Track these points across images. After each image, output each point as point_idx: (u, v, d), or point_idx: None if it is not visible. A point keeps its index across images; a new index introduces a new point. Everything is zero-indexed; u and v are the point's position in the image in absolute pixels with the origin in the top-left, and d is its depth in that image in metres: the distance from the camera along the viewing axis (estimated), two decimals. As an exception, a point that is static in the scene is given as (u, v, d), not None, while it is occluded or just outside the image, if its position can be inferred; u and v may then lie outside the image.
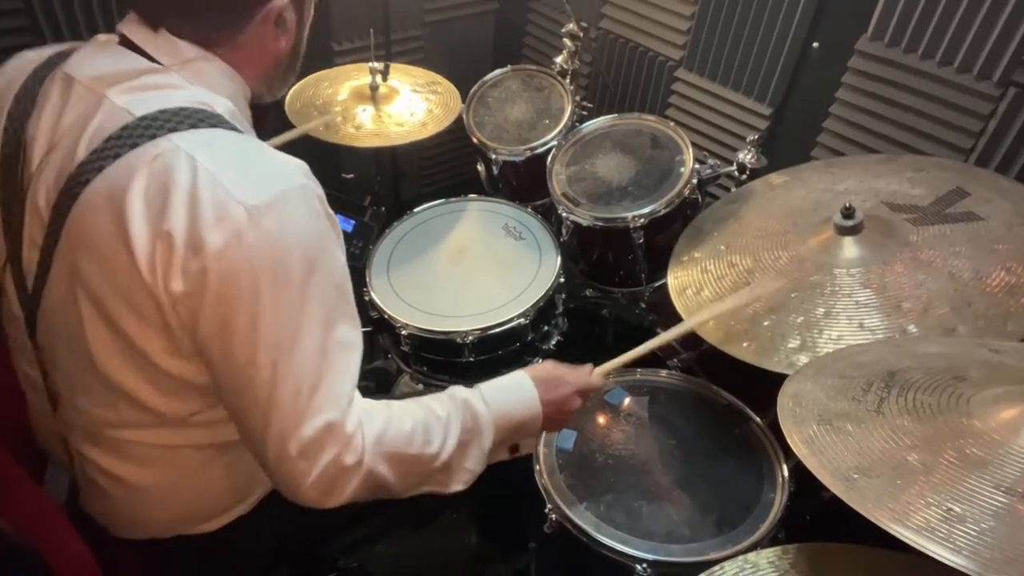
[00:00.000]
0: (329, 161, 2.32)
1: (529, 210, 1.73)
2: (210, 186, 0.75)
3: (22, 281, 0.88)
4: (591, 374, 1.15)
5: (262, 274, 0.77)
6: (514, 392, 1.04)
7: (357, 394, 0.88)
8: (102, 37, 0.91)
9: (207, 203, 0.75)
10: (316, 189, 0.84)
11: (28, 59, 0.92)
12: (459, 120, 1.86)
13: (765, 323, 1.14)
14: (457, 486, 0.98)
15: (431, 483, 0.96)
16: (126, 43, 0.87)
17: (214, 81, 0.88)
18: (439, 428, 0.94)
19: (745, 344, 1.14)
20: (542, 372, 1.09)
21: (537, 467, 1.23)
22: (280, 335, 0.79)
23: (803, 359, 1.06)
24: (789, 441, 0.81)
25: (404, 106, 1.88)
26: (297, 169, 0.83)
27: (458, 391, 1.00)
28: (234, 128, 0.83)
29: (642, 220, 1.49)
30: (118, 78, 0.84)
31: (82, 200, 0.79)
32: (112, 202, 0.77)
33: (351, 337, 0.87)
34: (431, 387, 1.56)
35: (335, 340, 0.84)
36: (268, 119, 1.09)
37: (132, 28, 0.87)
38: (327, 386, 0.82)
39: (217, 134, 0.81)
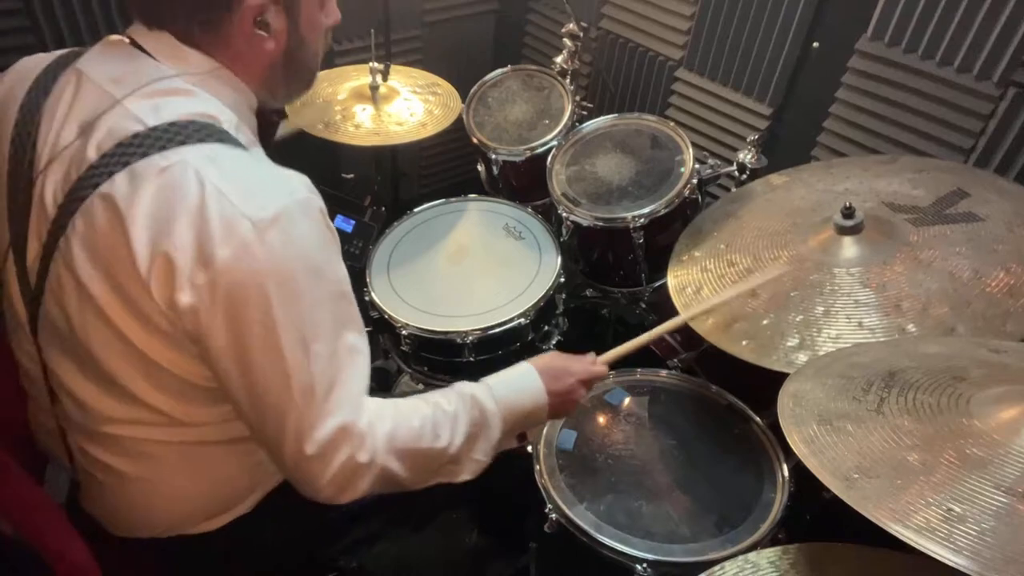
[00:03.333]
0: (329, 161, 2.32)
1: (529, 210, 1.73)
2: (217, 201, 0.77)
3: (25, 275, 0.89)
4: (594, 363, 1.16)
5: (270, 285, 0.79)
6: (520, 384, 1.07)
7: (367, 395, 0.91)
8: (113, 37, 0.92)
9: (215, 218, 0.77)
10: (318, 202, 0.86)
11: (41, 57, 0.94)
12: (459, 120, 1.86)
13: (764, 322, 1.14)
14: (466, 476, 1.01)
15: (441, 475, 0.99)
16: (136, 46, 0.89)
17: (219, 90, 0.90)
18: (447, 423, 0.96)
19: (744, 342, 1.14)
20: (547, 363, 1.11)
21: (537, 467, 1.23)
22: (292, 343, 0.81)
23: (802, 358, 1.06)
24: (789, 441, 0.81)
25: (404, 106, 1.88)
26: (299, 184, 0.85)
27: (465, 386, 1.03)
28: (238, 144, 0.85)
29: (642, 220, 1.49)
30: (129, 81, 0.85)
31: (89, 203, 0.80)
32: (118, 210, 0.78)
33: (358, 342, 0.90)
34: (431, 387, 1.55)
35: (344, 345, 0.87)
36: (274, 131, 1.10)
37: (140, 34, 0.89)
38: (339, 389, 0.85)
39: (223, 150, 0.82)
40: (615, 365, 1.22)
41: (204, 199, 0.77)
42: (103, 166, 0.80)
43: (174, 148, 0.80)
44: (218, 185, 0.78)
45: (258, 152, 0.91)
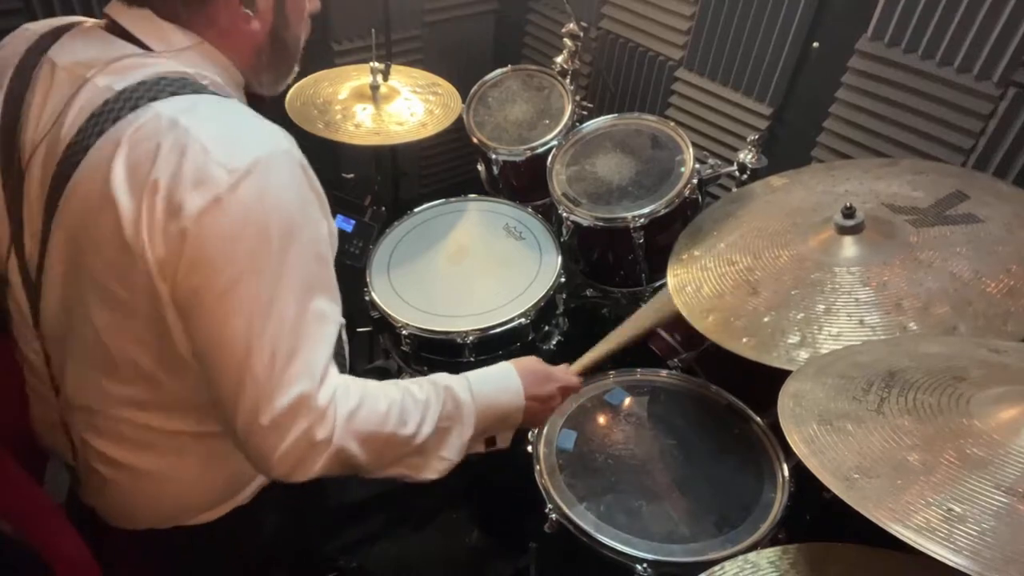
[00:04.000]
0: (329, 161, 2.32)
1: (529, 210, 1.73)
2: (191, 148, 0.75)
3: (25, 267, 0.89)
4: (567, 373, 1.16)
5: (240, 239, 0.76)
6: (500, 382, 1.04)
7: (333, 368, 0.87)
8: (88, 23, 0.91)
9: (189, 164, 0.74)
10: (300, 157, 0.83)
11: (22, 38, 0.92)
12: (459, 120, 1.86)
13: (765, 319, 1.14)
14: (431, 474, 0.96)
15: (404, 466, 0.94)
16: (115, 29, 0.87)
17: (201, 65, 0.88)
18: (416, 410, 0.92)
19: (745, 339, 1.14)
20: (529, 366, 1.09)
21: (537, 467, 1.23)
22: (255, 301, 0.78)
23: (803, 355, 1.06)
24: (789, 441, 0.81)
25: (404, 106, 1.88)
26: (281, 135, 0.82)
27: (441, 377, 0.99)
28: (218, 93, 0.83)
29: (642, 220, 1.49)
30: (101, 62, 0.84)
31: (72, 182, 0.80)
32: (99, 178, 0.77)
33: (328, 308, 0.86)
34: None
35: (312, 310, 0.83)
36: (264, 110, 1.08)
37: (119, 12, 0.87)
38: (302, 356, 0.81)
39: (199, 99, 0.80)
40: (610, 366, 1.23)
41: (177, 146, 0.75)
42: (80, 141, 0.79)
43: (145, 104, 0.78)
44: (192, 131, 0.75)
45: (240, 103, 0.87)
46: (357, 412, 0.86)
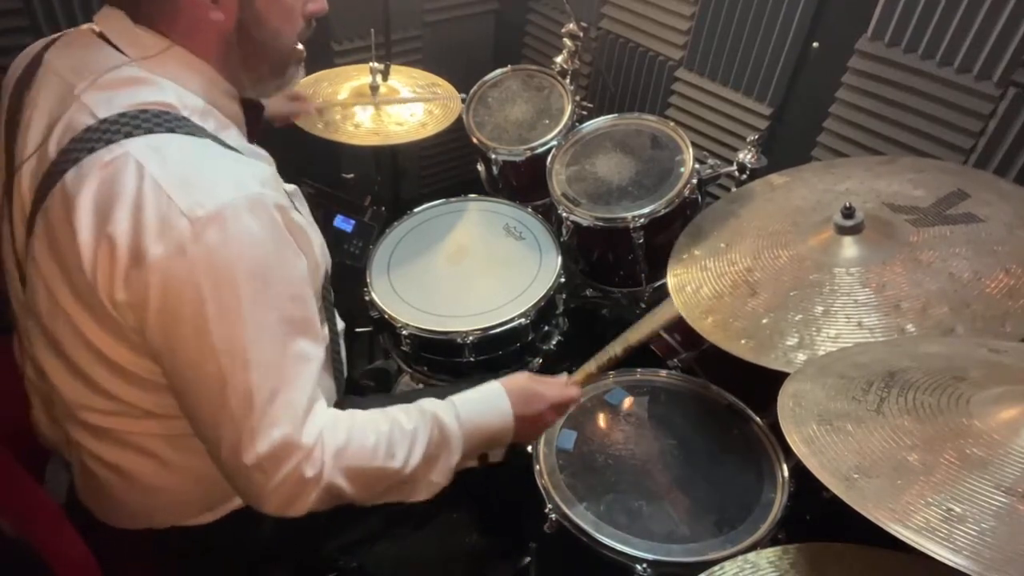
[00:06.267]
0: (329, 161, 2.32)
1: (529, 210, 1.73)
2: (155, 196, 0.75)
3: (20, 266, 0.90)
4: (566, 385, 1.15)
5: (205, 287, 0.76)
6: (487, 405, 1.04)
7: (320, 404, 0.87)
8: (83, 27, 0.92)
9: (151, 213, 0.75)
10: (274, 197, 0.82)
11: (33, 47, 0.95)
12: (459, 120, 1.86)
13: (764, 321, 1.14)
14: (422, 496, 0.97)
15: (394, 494, 0.96)
16: (100, 34, 0.88)
17: (181, 74, 0.87)
18: (404, 442, 0.93)
19: (743, 341, 1.14)
20: (519, 385, 1.08)
21: (537, 467, 1.23)
22: (227, 348, 0.78)
23: (801, 357, 1.06)
24: (789, 441, 0.81)
25: (404, 106, 1.88)
26: (250, 178, 0.81)
27: (429, 404, 0.99)
28: (195, 131, 0.82)
29: (642, 220, 1.49)
30: (86, 70, 0.84)
31: (48, 201, 0.81)
32: (66, 208, 0.78)
33: (308, 348, 0.86)
34: (431, 387, 1.56)
35: (291, 353, 0.83)
36: (260, 117, 1.08)
37: (104, 18, 0.88)
38: (283, 397, 0.82)
39: (172, 139, 0.80)
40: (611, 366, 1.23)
41: (141, 192, 0.75)
42: (59, 164, 0.80)
43: (119, 141, 0.78)
44: (157, 178, 0.75)
45: (225, 140, 0.87)
46: (345, 448, 0.87)
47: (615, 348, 1.24)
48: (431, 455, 0.95)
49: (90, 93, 0.82)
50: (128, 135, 0.78)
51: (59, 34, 0.95)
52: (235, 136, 0.93)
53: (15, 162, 0.87)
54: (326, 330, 1.04)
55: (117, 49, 0.86)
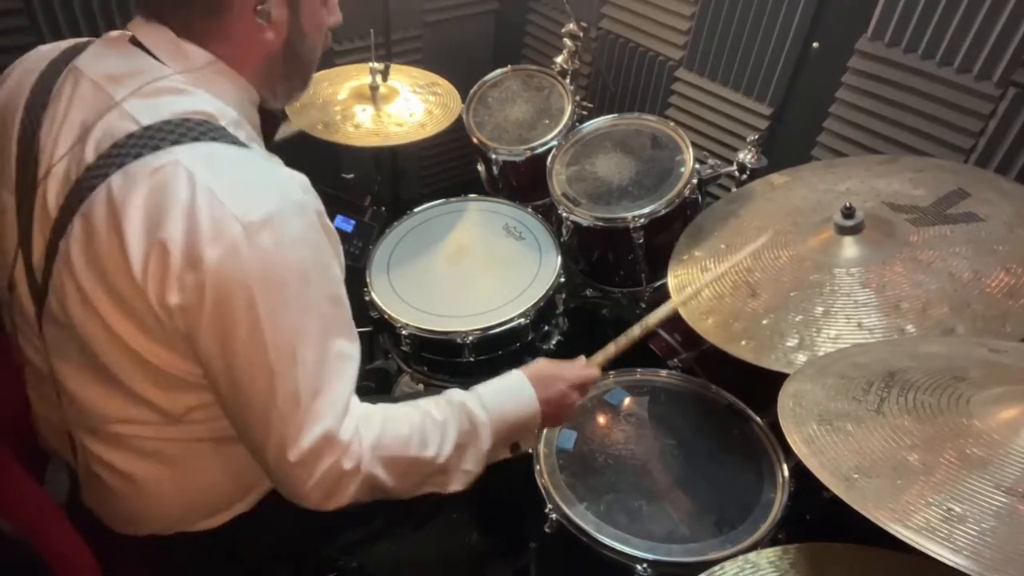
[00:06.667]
0: (329, 161, 2.32)
1: (529, 210, 1.73)
2: (208, 202, 0.77)
3: (32, 273, 0.89)
4: (585, 366, 1.15)
5: (258, 288, 0.78)
6: (511, 393, 1.05)
7: (355, 399, 0.90)
8: (114, 34, 0.92)
9: (205, 218, 0.76)
10: (315, 203, 0.85)
11: (43, 52, 0.94)
12: (459, 120, 1.86)
13: (764, 321, 1.14)
14: (456, 486, 0.99)
15: (430, 484, 0.98)
16: (136, 43, 0.88)
17: (219, 86, 0.89)
18: (436, 432, 0.95)
19: (743, 342, 1.14)
20: (538, 371, 1.10)
21: (537, 467, 1.23)
22: (278, 347, 0.81)
23: (801, 358, 1.06)
24: (789, 441, 0.81)
25: (404, 106, 1.88)
26: (295, 185, 0.84)
27: (455, 394, 1.01)
28: (235, 141, 0.84)
29: (642, 220, 1.49)
30: (126, 79, 0.85)
31: (86, 206, 0.81)
32: (112, 212, 0.78)
33: (347, 348, 0.89)
34: (431, 387, 1.56)
35: (332, 351, 0.86)
36: (277, 127, 1.09)
37: (140, 28, 0.88)
38: (325, 396, 0.85)
39: (217, 148, 0.82)
40: (610, 365, 1.21)
41: (194, 199, 0.76)
42: (99, 168, 0.80)
43: (167, 148, 0.79)
44: (209, 185, 0.77)
45: (257, 150, 0.90)
46: (381, 439, 0.90)
47: (634, 331, 1.23)
48: (462, 444, 0.98)
49: (130, 100, 0.83)
50: (175, 142, 0.80)
51: (71, 42, 0.95)
52: (259, 145, 0.94)
53: (38, 169, 0.87)
54: None
55: (157, 59, 0.87)
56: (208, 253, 0.76)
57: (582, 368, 1.15)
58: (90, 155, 0.82)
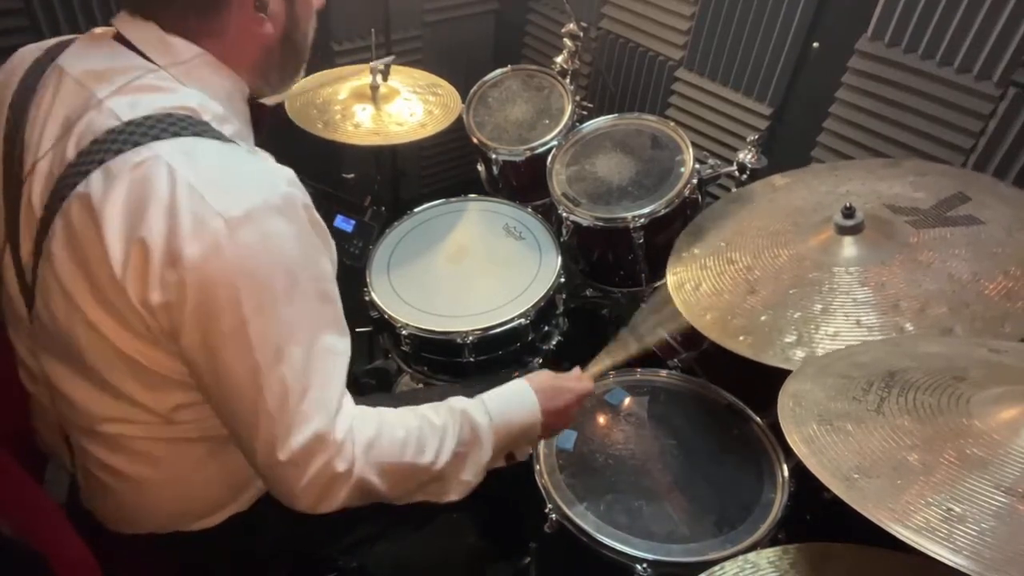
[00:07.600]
0: (329, 161, 2.32)
1: (529, 210, 1.73)
2: (188, 197, 0.75)
3: (22, 272, 0.89)
4: (580, 379, 1.15)
5: (241, 285, 0.77)
6: (515, 402, 1.04)
7: (348, 400, 0.88)
8: (98, 30, 0.91)
9: (185, 214, 0.75)
10: (302, 197, 0.83)
11: (30, 51, 0.93)
12: (459, 120, 1.86)
13: (762, 318, 1.14)
14: (453, 496, 0.98)
15: (425, 493, 0.96)
16: (121, 39, 0.87)
17: (208, 81, 0.88)
18: (434, 438, 0.93)
19: (742, 338, 1.14)
20: (543, 381, 1.09)
21: (537, 467, 1.23)
22: (263, 344, 0.79)
23: (799, 354, 1.06)
24: (789, 441, 0.81)
25: (404, 106, 1.88)
26: (280, 178, 0.82)
27: (457, 402, 1.00)
28: (219, 136, 0.83)
29: (642, 220, 1.49)
30: (109, 76, 0.84)
31: (67, 204, 0.80)
32: (92, 210, 0.77)
33: (337, 344, 0.87)
34: (431, 387, 1.56)
35: (321, 347, 0.84)
36: (266, 119, 1.08)
37: (125, 24, 0.87)
38: (314, 394, 0.82)
39: (200, 143, 0.80)
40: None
41: (175, 194, 0.75)
42: (80, 165, 0.79)
43: (148, 143, 0.78)
44: (190, 180, 0.76)
45: (244, 144, 0.88)
46: (375, 442, 0.88)
47: (631, 345, 1.23)
48: (461, 452, 0.96)
49: (112, 96, 0.82)
50: (156, 137, 0.78)
51: (56, 40, 0.94)
52: (247, 140, 0.93)
53: (22, 168, 0.86)
54: None
55: (142, 55, 0.86)
56: (189, 250, 0.74)
57: (578, 381, 1.14)
58: (71, 152, 0.81)
